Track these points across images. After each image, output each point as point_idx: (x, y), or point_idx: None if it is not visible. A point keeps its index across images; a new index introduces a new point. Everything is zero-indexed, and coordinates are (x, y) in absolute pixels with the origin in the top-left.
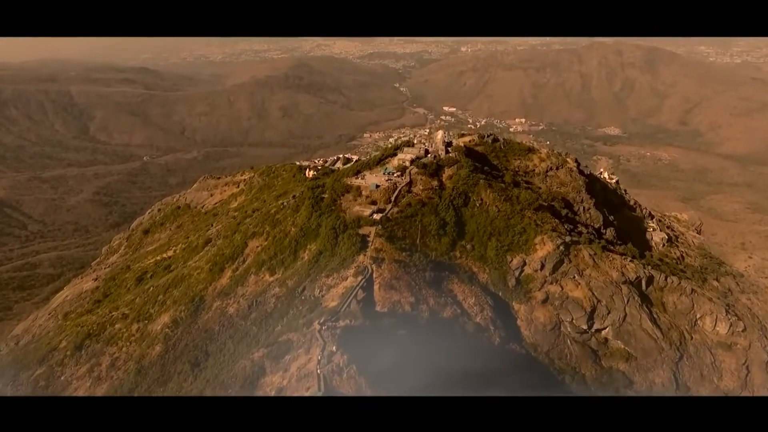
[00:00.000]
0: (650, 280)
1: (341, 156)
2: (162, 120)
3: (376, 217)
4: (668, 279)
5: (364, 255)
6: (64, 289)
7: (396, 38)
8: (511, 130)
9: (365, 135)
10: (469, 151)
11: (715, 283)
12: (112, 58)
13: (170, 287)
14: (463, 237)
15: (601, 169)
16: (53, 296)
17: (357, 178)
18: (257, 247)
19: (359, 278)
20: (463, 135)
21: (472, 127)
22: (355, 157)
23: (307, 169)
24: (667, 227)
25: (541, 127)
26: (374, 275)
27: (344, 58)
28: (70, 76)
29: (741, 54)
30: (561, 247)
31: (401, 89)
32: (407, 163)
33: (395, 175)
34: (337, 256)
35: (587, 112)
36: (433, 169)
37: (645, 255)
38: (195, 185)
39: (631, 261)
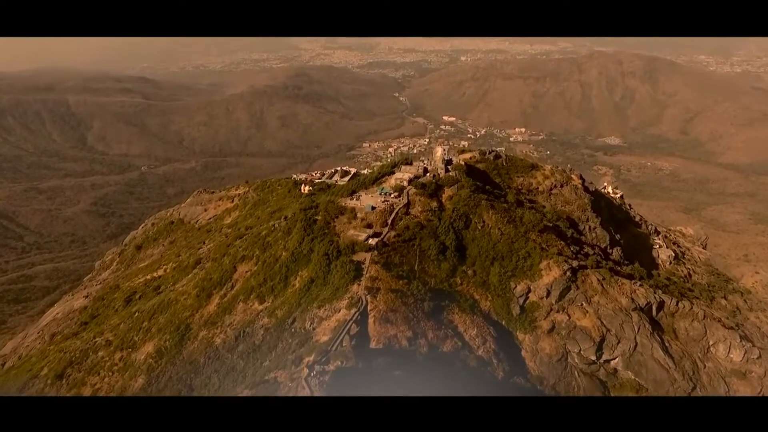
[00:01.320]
0: (661, 305)
1: (339, 168)
2: (160, 130)
3: (372, 242)
4: (679, 304)
5: (359, 284)
6: (55, 306)
7: (395, 48)
8: (511, 139)
9: (364, 145)
10: (469, 169)
11: (723, 302)
12: (111, 67)
13: (156, 313)
14: (464, 262)
15: (605, 183)
16: (48, 309)
17: (352, 198)
18: (246, 272)
19: (353, 311)
20: (463, 151)
21: (472, 136)
22: (353, 170)
23: (303, 185)
24: (673, 243)
25: (541, 137)
26: (369, 307)
27: (343, 68)
28: (67, 85)
29: (741, 63)
30: (568, 273)
31: (401, 99)
32: (405, 183)
33: (392, 195)
34: (329, 285)
35: (587, 122)
36: (432, 189)
37: (653, 275)
38: (189, 199)
39: (640, 285)
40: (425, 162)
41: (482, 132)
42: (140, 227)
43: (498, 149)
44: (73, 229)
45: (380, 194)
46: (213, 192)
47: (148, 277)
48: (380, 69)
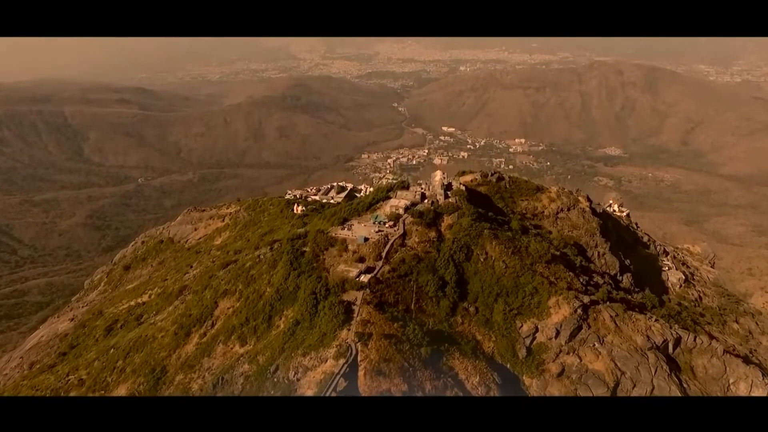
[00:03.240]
0: (678, 341)
1: (335, 184)
2: (157, 141)
3: (364, 279)
4: (697, 339)
5: (348, 329)
6: (40, 328)
7: (394, 58)
8: (511, 150)
9: (363, 156)
10: (470, 194)
11: (736, 326)
12: (108, 78)
13: (131, 351)
14: (466, 298)
15: (611, 201)
16: (41, 325)
17: (343, 228)
18: (228, 308)
19: (341, 362)
20: (463, 173)
21: (471, 147)
22: (349, 186)
23: (296, 205)
24: (682, 263)
25: (541, 148)
26: (359, 357)
27: (342, 78)
28: (64, 96)
29: (741, 73)
30: (579, 311)
31: (399, 109)
32: (401, 211)
33: (387, 224)
34: (316, 329)
35: (588, 133)
36: (431, 217)
37: (664, 301)
38: (179, 218)
39: (656, 321)
40: (423, 187)
41: (482, 143)
42: (130, 245)
43: (498, 161)
44: (68, 242)
45: (374, 223)
46: (203, 210)
47: (132, 303)
48: (379, 79)
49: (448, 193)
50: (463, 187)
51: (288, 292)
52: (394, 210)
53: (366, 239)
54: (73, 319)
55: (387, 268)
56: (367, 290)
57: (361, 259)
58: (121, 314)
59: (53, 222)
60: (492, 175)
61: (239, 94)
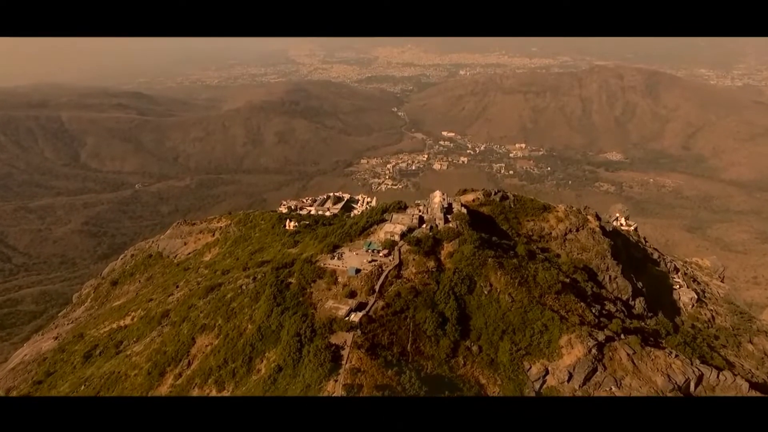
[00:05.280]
0: (700, 378)
1: (331, 195)
2: (155, 146)
3: (355, 318)
4: (720, 376)
5: (335, 381)
6: (25, 345)
7: (394, 62)
8: (511, 155)
9: (363, 161)
10: (473, 216)
11: (750, 347)
12: (106, 83)
13: (102, 390)
14: (468, 336)
15: (617, 214)
16: (34, 335)
17: (333, 257)
18: (206, 345)
19: None
20: (464, 192)
21: (471, 152)
22: (346, 196)
23: (288, 220)
24: (692, 279)
25: (541, 153)
26: None
27: (341, 82)
28: (61, 101)
29: (742, 77)
30: (593, 350)
31: (399, 114)
32: (396, 237)
33: (381, 253)
34: (299, 378)
35: (588, 137)
36: (429, 244)
37: (677, 325)
38: (168, 231)
39: (676, 357)
40: (421, 209)
41: (482, 147)
42: (119, 258)
43: (499, 166)
44: (63, 249)
45: (367, 250)
46: (194, 224)
47: (114, 325)
48: (378, 83)
49: (449, 216)
50: (464, 210)
51: (270, 331)
52: (389, 236)
53: (358, 270)
54: (57, 338)
55: (381, 303)
56: (358, 331)
57: (352, 294)
58: (101, 338)
59: (48, 229)
60: (495, 193)
61: (238, 99)
